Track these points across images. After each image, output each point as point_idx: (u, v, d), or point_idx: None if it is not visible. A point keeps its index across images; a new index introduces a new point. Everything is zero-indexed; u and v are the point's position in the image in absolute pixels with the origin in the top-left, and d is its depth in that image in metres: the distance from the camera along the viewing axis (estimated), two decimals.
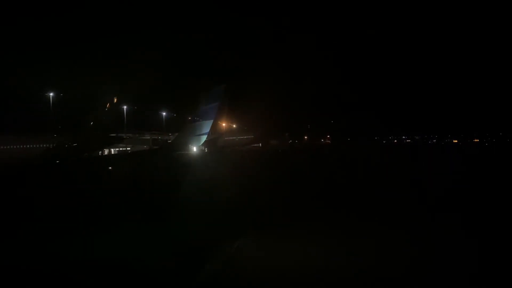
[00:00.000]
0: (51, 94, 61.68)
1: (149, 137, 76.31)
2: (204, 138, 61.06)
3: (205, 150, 65.60)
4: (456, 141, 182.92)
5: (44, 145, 51.81)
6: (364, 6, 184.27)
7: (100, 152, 61.09)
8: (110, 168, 41.20)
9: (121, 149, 69.50)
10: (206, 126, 60.16)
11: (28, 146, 51.64)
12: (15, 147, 51.21)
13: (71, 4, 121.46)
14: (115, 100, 57.59)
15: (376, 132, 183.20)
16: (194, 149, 60.72)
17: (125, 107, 70.70)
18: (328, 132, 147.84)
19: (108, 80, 62.66)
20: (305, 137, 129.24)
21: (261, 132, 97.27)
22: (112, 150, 66.82)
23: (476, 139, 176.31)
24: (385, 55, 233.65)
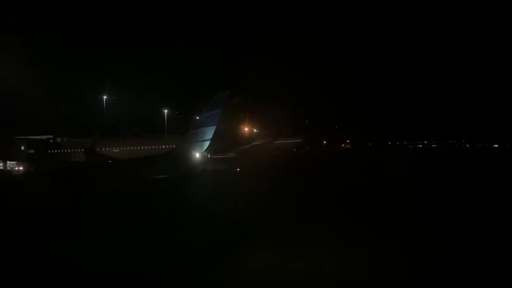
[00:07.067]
0: None
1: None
2: (207, 144, 60.40)
3: (208, 156, 64.92)
4: (496, 145, 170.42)
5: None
6: (396, 6, 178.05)
7: None
8: None
9: None
10: (210, 132, 59.44)
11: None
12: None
13: None
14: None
15: (398, 137, 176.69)
16: (197, 155, 60.10)
17: None
18: (348, 138, 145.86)
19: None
20: (324, 142, 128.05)
21: (305, 139, 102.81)
22: None
23: None
24: (409, 56, 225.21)
